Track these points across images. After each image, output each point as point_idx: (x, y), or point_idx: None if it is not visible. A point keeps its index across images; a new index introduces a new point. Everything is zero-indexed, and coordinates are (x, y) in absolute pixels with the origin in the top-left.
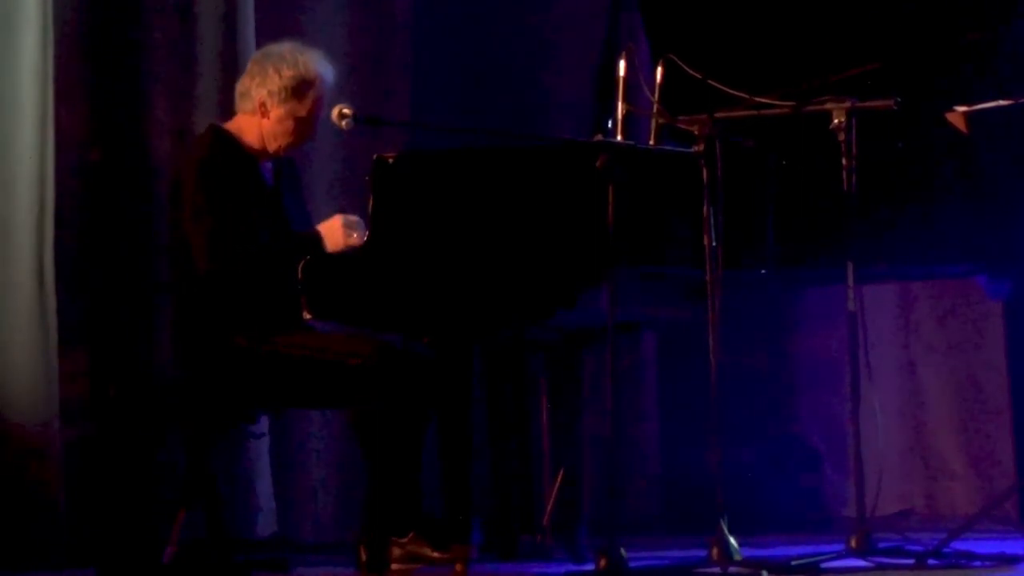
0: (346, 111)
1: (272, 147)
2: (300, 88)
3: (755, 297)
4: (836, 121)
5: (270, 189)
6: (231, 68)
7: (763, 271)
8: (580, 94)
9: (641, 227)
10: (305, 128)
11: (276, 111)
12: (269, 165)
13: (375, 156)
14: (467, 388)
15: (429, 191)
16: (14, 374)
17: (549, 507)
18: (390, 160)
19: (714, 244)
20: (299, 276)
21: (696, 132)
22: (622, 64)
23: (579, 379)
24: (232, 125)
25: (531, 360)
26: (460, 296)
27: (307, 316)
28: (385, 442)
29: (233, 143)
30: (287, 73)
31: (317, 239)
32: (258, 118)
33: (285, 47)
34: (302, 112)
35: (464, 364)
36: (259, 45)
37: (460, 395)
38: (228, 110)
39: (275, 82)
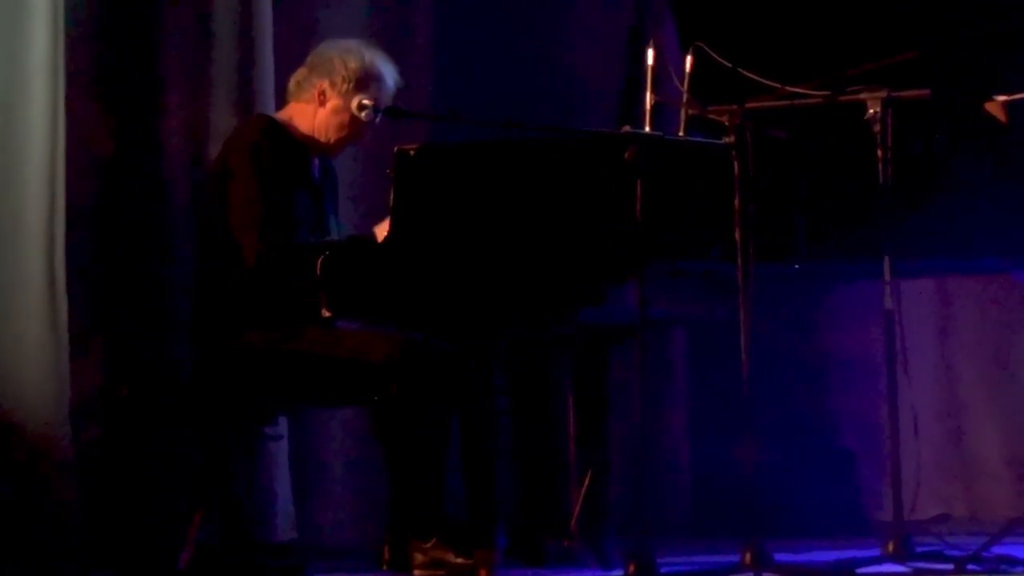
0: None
1: (323, 138)
2: (363, 81)
3: (787, 293)
4: (871, 112)
5: (316, 185)
6: (247, 59)
7: (796, 266)
8: (607, 84)
9: (670, 221)
10: (359, 124)
11: (334, 101)
12: (316, 162)
13: (396, 148)
14: (491, 387)
15: (452, 184)
16: (24, 375)
17: (576, 511)
18: (412, 152)
19: (745, 238)
20: (318, 272)
21: (726, 123)
22: (650, 53)
23: (606, 378)
24: (283, 115)
25: (556, 359)
26: (484, 292)
27: (326, 313)
28: (407, 442)
29: (284, 132)
30: (352, 64)
31: (371, 240)
32: (314, 107)
33: (352, 41)
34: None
35: (488, 362)
36: (277, 36)
37: (484, 394)
38: (246, 103)
39: (340, 71)
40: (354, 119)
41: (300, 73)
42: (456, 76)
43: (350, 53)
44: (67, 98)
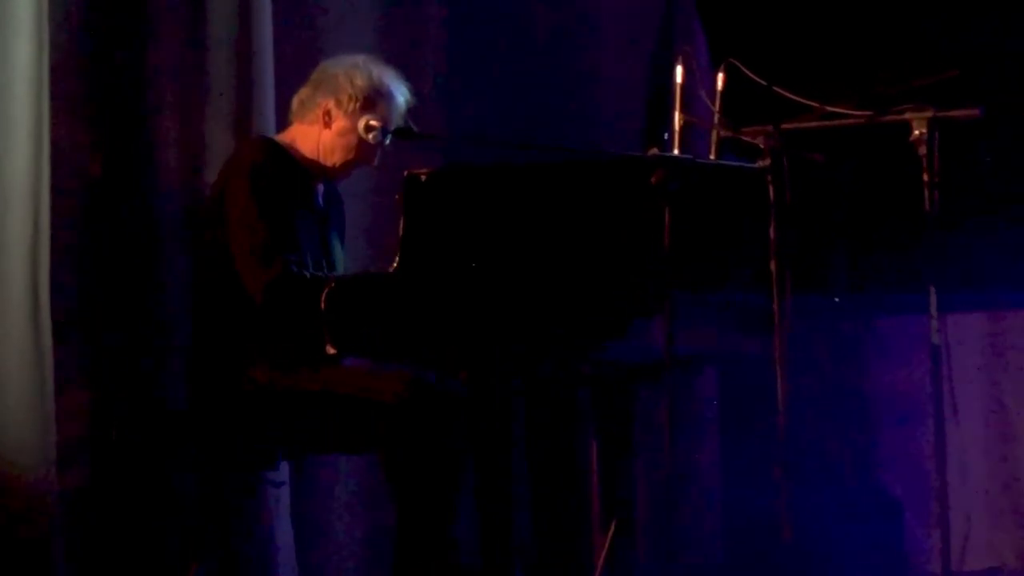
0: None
1: (328, 162)
2: (371, 99)
3: (827, 327)
4: (916, 132)
5: (320, 211)
6: (246, 78)
7: (835, 298)
8: (632, 103)
9: (700, 249)
10: (367, 147)
11: (340, 122)
12: (321, 187)
13: (406, 173)
14: (507, 428)
15: (466, 211)
16: (5, 416)
17: (600, 560)
18: (423, 177)
19: (781, 268)
20: (321, 306)
21: (761, 145)
22: (678, 70)
23: (632, 418)
24: (285, 137)
25: (579, 397)
26: (500, 327)
27: (331, 350)
28: (418, 486)
29: (285, 154)
30: (359, 81)
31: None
32: (319, 128)
33: (359, 57)
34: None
35: (504, 402)
36: (278, 52)
37: (500, 436)
38: (244, 124)
39: (346, 89)
40: (362, 141)
41: (303, 92)
42: (471, 95)
43: (357, 69)
44: (52, 119)
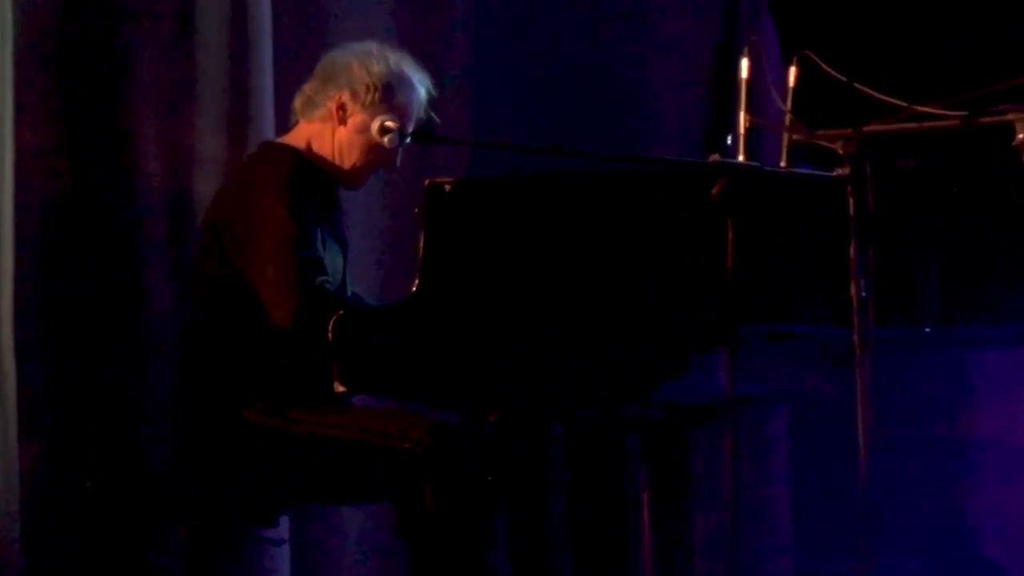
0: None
1: (346, 163)
2: (391, 89)
3: (915, 362)
4: (1020, 136)
5: (336, 227)
6: (239, 69)
7: (926, 329)
8: (690, 102)
9: (769, 273)
10: (385, 149)
11: (357, 117)
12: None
13: (427, 182)
14: (544, 479)
15: (496, 227)
16: None
17: None
18: (447, 187)
19: (863, 295)
20: (329, 337)
21: (840, 151)
22: (744, 63)
23: (688, 467)
24: (296, 140)
25: (627, 442)
26: (536, 362)
27: (340, 388)
28: (440, 545)
29: (311, 165)
30: (376, 69)
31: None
32: (332, 126)
33: (371, 44)
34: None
35: (540, 449)
36: (277, 43)
37: (535, 488)
38: (237, 123)
39: (362, 79)
40: (379, 143)
41: (310, 87)
42: (502, 92)
43: (371, 57)
44: (16, 119)
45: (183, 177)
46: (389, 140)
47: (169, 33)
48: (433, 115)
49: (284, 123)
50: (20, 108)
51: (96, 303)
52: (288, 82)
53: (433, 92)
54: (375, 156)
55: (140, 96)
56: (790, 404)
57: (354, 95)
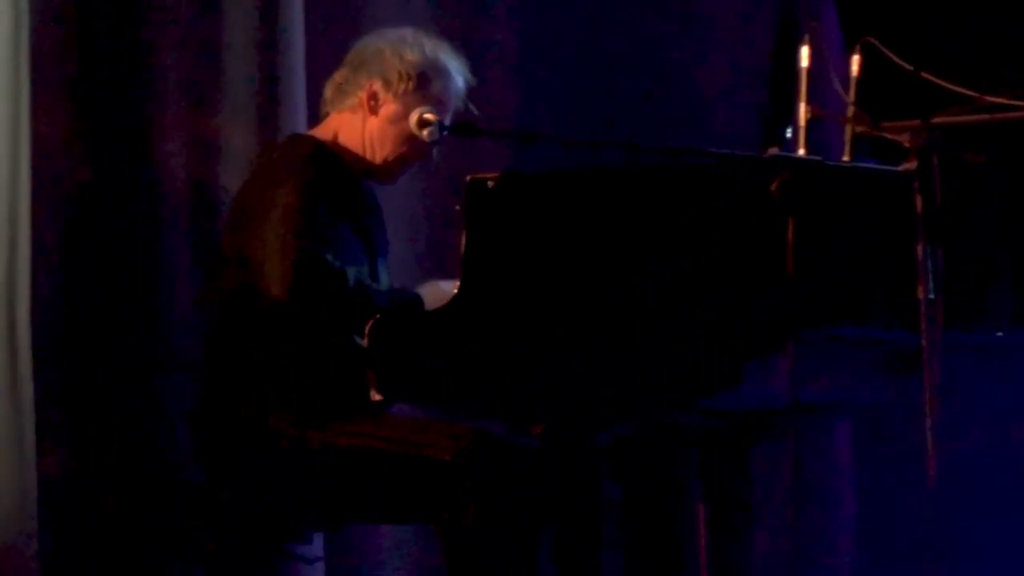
0: (429, 116)
1: (378, 157)
2: (426, 77)
3: (987, 369)
4: None
5: (366, 226)
6: (269, 57)
7: (998, 333)
8: (746, 92)
9: (831, 273)
10: (421, 142)
11: (390, 107)
12: (366, 189)
13: (469, 178)
14: (592, 495)
15: (541, 225)
16: None
17: None
18: (490, 183)
19: (930, 297)
20: (366, 341)
21: (906, 143)
22: (804, 51)
23: (749, 480)
24: (324, 132)
25: (682, 456)
26: (583, 369)
27: (376, 396)
28: (482, 565)
29: (334, 158)
30: (411, 57)
31: (418, 304)
32: (363, 115)
33: (405, 30)
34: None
35: (589, 463)
36: (309, 29)
37: (583, 504)
38: (266, 114)
39: (394, 66)
40: (415, 135)
41: (340, 74)
42: (547, 81)
43: (405, 44)
44: (33, 110)
45: (209, 171)
46: (428, 134)
47: (195, 19)
48: (471, 106)
49: (315, 109)
50: (37, 96)
51: (118, 305)
52: (321, 70)
53: (472, 81)
54: (409, 149)
55: (164, 86)
56: (853, 413)
57: (386, 84)
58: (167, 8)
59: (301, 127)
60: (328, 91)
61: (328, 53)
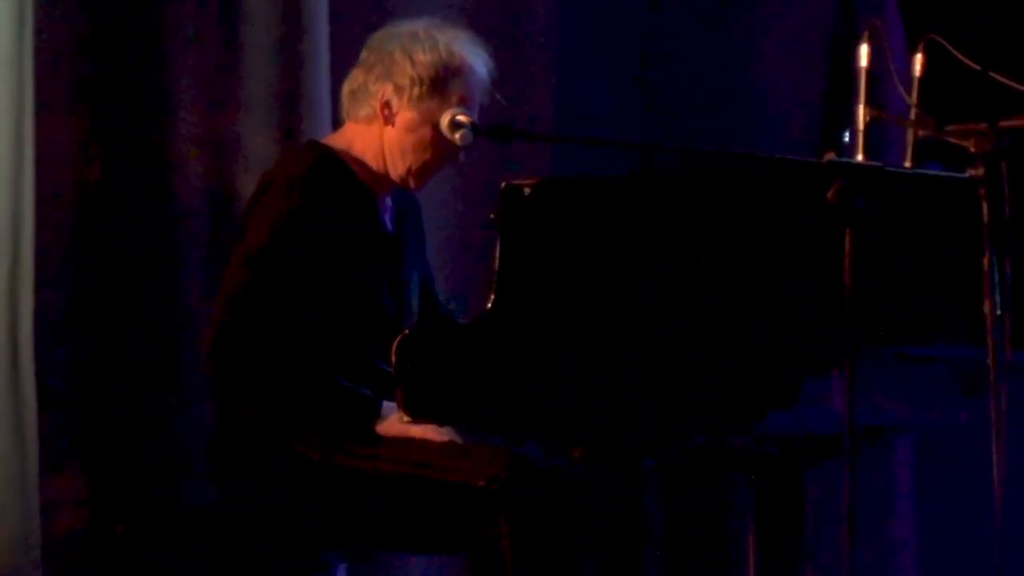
0: (461, 118)
1: (398, 170)
2: (442, 80)
3: None
4: None
5: (390, 237)
6: (291, 54)
7: None
8: (801, 93)
9: (892, 287)
10: (448, 146)
11: (406, 115)
12: (389, 202)
13: (504, 184)
14: (636, 523)
15: (581, 234)
16: None
17: None
18: (526, 190)
19: (998, 312)
20: (393, 359)
21: (972, 148)
22: (863, 49)
23: (802, 507)
24: (338, 141)
25: (730, 482)
26: (626, 389)
27: (405, 417)
28: None
29: (343, 170)
30: (423, 58)
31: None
32: (378, 126)
33: (418, 24)
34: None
35: (632, 489)
36: (334, 22)
37: (626, 533)
38: (287, 113)
39: (405, 70)
40: (440, 138)
41: (354, 78)
42: (589, 81)
43: (416, 42)
44: (37, 112)
45: (226, 175)
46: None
47: (213, 15)
48: (498, 96)
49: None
50: (41, 97)
51: (128, 321)
52: (348, 65)
53: (494, 70)
54: (433, 155)
55: (175, 83)
56: (915, 436)
57: (398, 90)
58: (186, 7)
59: (325, 129)
60: (345, 95)
61: (355, 52)
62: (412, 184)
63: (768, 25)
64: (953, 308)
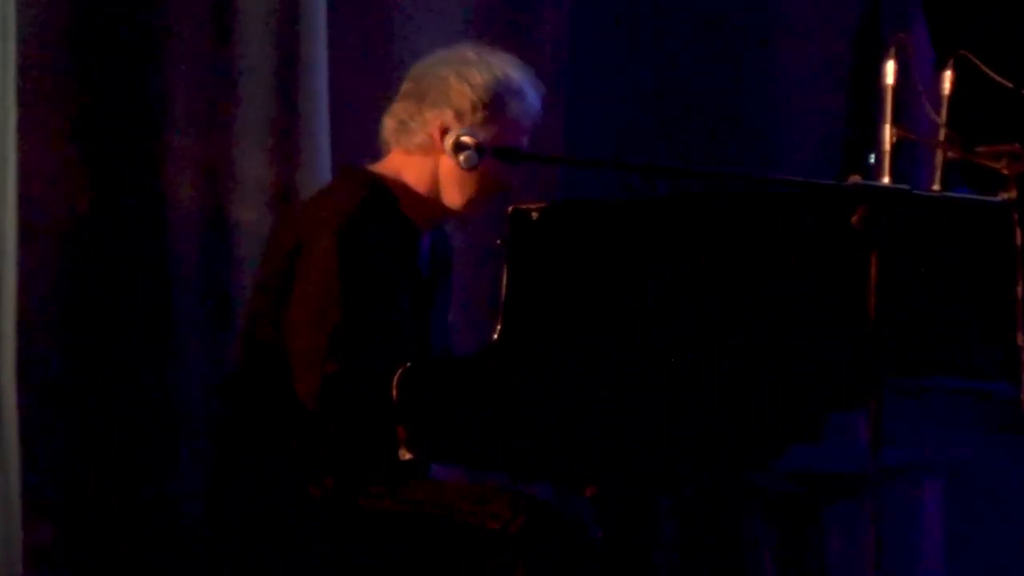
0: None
1: (454, 199)
2: (501, 101)
3: None
4: None
5: (424, 280)
6: (288, 74)
7: None
8: (824, 113)
9: (920, 316)
10: (506, 169)
11: None
12: (427, 240)
13: (511, 208)
14: (650, 563)
15: (591, 260)
16: None
17: None
18: (534, 214)
19: None
20: (394, 394)
21: (1004, 170)
22: (889, 67)
23: (822, 552)
24: (385, 169)
25: (749, 521)
26: (641, 423)
27: (407, 455)
28: None
29: (392, 204)
30: (480, 80)
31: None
32: (435, 157)
33: (465, 49)
34: (503, 140)
35: (647, 528)
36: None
37: (641, 571)
38: (285, 134)
39: (464, 94)
40: (499, 164)
41: (401, 108)
42: (601, 100)
43: (470, 66)
44: (20, 134)
45: (221, 201)
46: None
47: (206, 30)
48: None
49: (339, 135)
50: (25, 118)
51: (120, 362)
52: (346, 88)
53: (543, 93)
54: (492, 183)
55: (168, 103)
56: (945, 473)
57: (459, 116)
58: (176, 22)
59: (324, 155)
60: (390, 125)
61: (352, 76)
62: (467, 212)
63: (790, 44)
64: (984, 339)
